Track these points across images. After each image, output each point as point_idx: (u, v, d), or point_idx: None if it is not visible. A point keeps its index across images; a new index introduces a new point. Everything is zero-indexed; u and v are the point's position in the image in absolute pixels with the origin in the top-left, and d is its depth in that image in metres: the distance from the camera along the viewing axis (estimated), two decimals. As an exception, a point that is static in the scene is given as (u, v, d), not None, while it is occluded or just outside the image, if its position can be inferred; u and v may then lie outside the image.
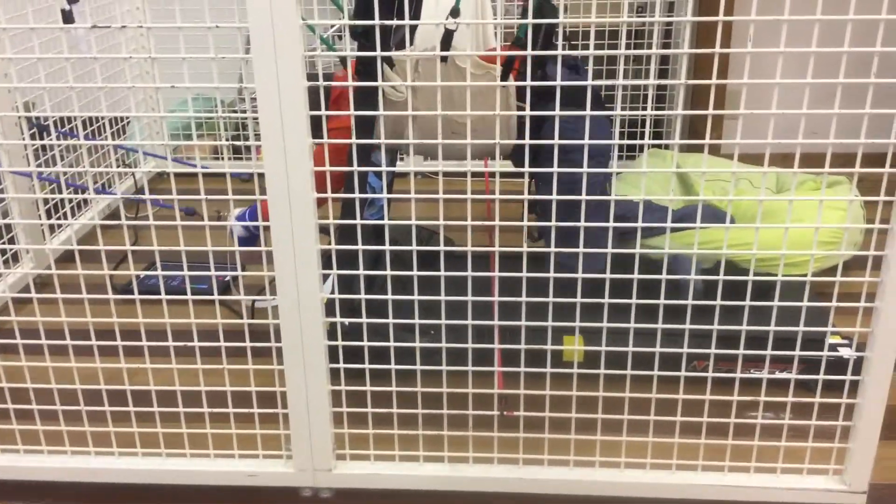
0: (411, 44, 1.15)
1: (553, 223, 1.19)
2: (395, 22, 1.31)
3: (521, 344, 1.28)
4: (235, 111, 3.04)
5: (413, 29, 1.67)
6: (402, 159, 2.15)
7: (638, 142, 2.83)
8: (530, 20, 1.18)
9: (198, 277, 1.34)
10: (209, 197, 1.24)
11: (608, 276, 1.22)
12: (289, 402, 1.36)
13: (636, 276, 1.22)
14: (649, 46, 2.86)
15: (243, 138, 2.99)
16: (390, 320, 1.32)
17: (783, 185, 2.38)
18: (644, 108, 2.90)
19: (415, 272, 1.27)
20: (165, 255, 1.28)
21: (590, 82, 1.15)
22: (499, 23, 2.49)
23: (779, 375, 1.37)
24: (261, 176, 1.20)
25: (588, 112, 1.16)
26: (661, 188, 2.34)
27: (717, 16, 1.08)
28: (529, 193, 1.86)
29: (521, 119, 1.54)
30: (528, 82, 1.15)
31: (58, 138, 2.37)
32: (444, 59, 1.58)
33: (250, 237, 1.82)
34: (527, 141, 1.25)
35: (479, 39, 1.95)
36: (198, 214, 1.27)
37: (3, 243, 1.52)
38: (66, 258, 2.10)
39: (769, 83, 1.11)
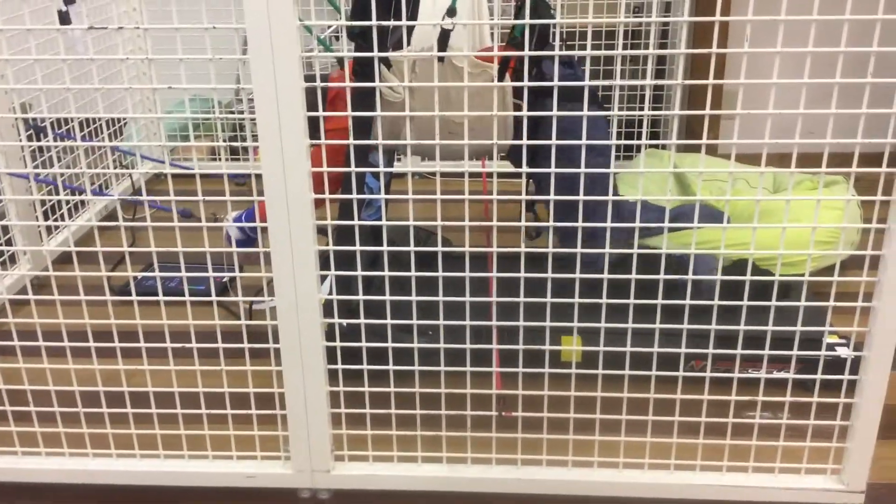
0: (408, 44, 1.15)
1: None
2: (392, 23, 1.32)
3: (520, 344, 1.28)
4: (232, 112, 3.04)
5: (410, 29, 1.68)
6: (399, 160, 2.15)
7: (635, 142, 2.84)
8: (527, 20, 1.18)
9: (195, 279, 1.34)
10: (206, 198, 1.24)
11: (606, 276, 1.22)
12: (287, 404, 1.36)
13: (634, 276, 1.22)
14: (646, 47, 2.87)
15: (240, 139, 2.99)
16: (388, 321, 1.32)
17: (780, 184, 2.39)
18: (641, 109, 2.90)
19: (412, 273, 1.27)
20: (163, 256, 1.28)
21: (587, 82, 1.15)
22: (495, 23, 2.49)
23: (777, 375, 1.37)
24: (258, 177, 1.20)
25: (585, 112, 1.16)
26: (658, 188, 2.34)
27: (713, 16, 1.08)
28: (529, 192, 1.87)
29: (518, 117, 1.54)
30: (525, 82, 1.15)
31: (55, 139, 2.37)
32: (440, 59, 1.58)
33: (247, 240, 1.82)
34: (524, 141, 1.25)
35: (476, 39, 1.96)
36: (194, 216, 1.27)
37: (1, 245, 1.51)
38: (63, 259, 2.10)
39: (766, 83, 1.11)
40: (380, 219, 1.30)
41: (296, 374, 1.33)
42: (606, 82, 1.26)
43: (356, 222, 1.26)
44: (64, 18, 1.89)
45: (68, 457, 1.45)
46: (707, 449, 1.36)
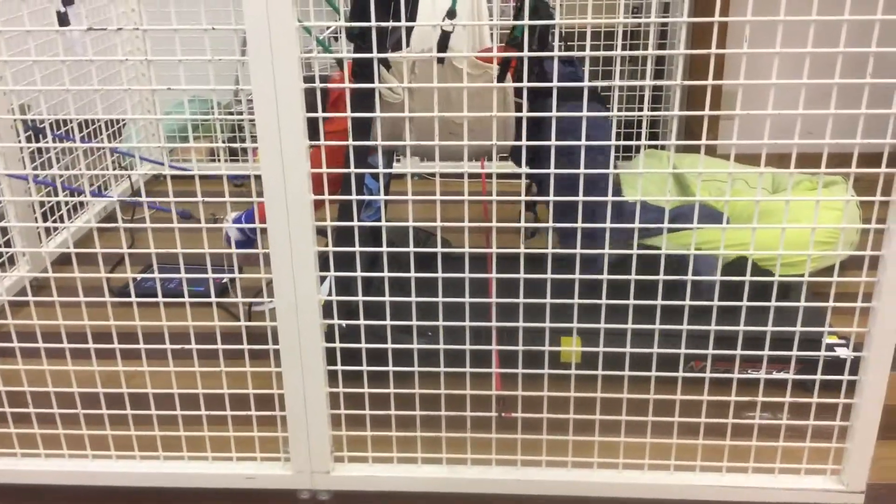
0: (408, 45, 1.15)
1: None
2: (391, 24, 1.32)
3: (519, 345, 1.28)
4: (231, 113, 3.04)
5: (409, 30, 1.68)
6: (398, 160, 2.15)
7: (634, 142, 2.84)
8: (526, 21, 1.18)
9: (195, 280, 1.34)
10: (206, 199, 1.24)
11: (605, 277, 1.22)
12: (286, 405, 1.36)
13: (633, 276, 1.22)
14: (645, 47, 2.87)
15: (239, 140, 2.99)
16: (388, 322, 1.32)
17: (779, 185, 2.39)
18: (640, 109, 2.91)
19: (412, 274, 1.27)
20: (162, 257, 1.28)
21: (590, 83, 1.15)
22: (495, 24, 2.49)
23: (776, 376, 1.37)
24: (257, 178, 1.20)
25: (585, 113, 1.16)
26: (657, 189, 2.34)
27: (712, 16, 1.08)
28: (532, 192, 1.87)
29: (520, 116, 1.54)
30: (525, 83, 1.15)
31: (54, 141, 2.37)
32: (440, 60, 1.58)
33: (246, 241, 1.82)
34: (524, 142, 1.25)
35: (476, 40, 1.95)
36: (194, 218, 1.26)
37: (0, 246, 1.51)
38: (62, 261, 2.11)
39: (765, 84, 1.12)
40: (379, 220, 1.30)
41: (295, 376, 1.33)
42: (606, 83, 1.27)
43: (356, 223, 1.26)
44: (63, 20, 1.89)
45: (68, 458, 1.45)
46: (707, 449, 1.36)
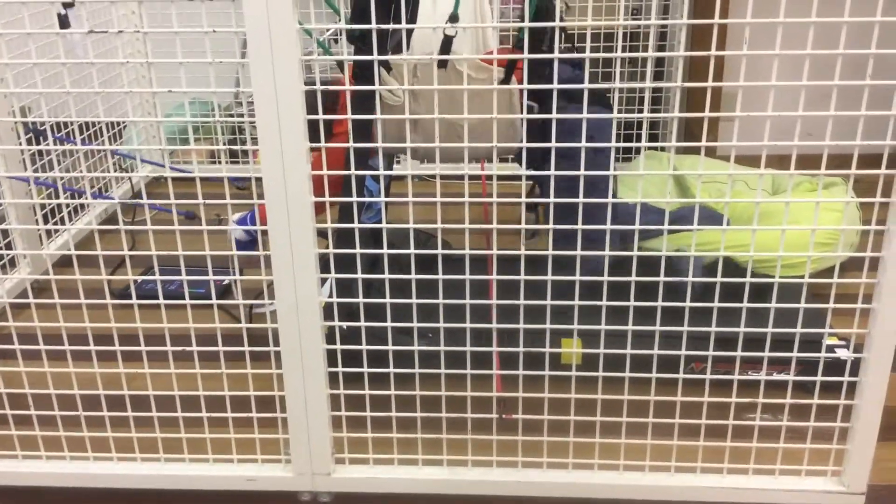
0: (408, 48, 1.15)
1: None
2: (392, 26, 1.32)
3: (520, 347, 1.28)
4: (232, 115, 3.04)
5: (409, 33, 1.68)
6: (398, 162, 2.15)
7: (634, 144, 2.84)
8: (526, 23, 1.18)
9: (196, 282, 1.34)
10: (207, 202, 1.24)
11: (606, 278, 1.22)
12: (287, 407, 1.36)
13: (634, 278, 1.22)
14: (645, 49, 2.87)
15: (240, 142, 2.99)
16: (388, 324, 1.32)
17: (779, 186, 2.39)
18: (640, 110, 2.91)
19: (412, 275, 1.27)
20: (163, 259, 1.28)
21: (596, 84, 1.15)
22: (498, 26, 2.49)
23: (777, 377, 1.37)
24: (258, 180, 1.20)
25: (585, 115, 1.16)
26: (657, 190, 2.34)
27: (712, 18, 1.08)
28: (533, 193, 1.87)
29: (526, 119, 1.54)
30: (525, 85, 1.15)
31: (54, 143, 2.37)
32: (444, 64, 1.58)
33: (251, 240, 1.82)
34: (526, 144, 1.25)
35: (479, 43, 1.95)
36: (197, 218, 1.27)
37: (0, 248, 1.51)
38: (63, 263, 2.10)
39: (765, 85, 1.12)
40: (380, 221, 1.30)
41: (296, 377, 1.33)
42: (606, 85, 1.27)
43: (356, 225, 1.26)
44: (63, 22, 1.89)
45: (69, 460, 1.45)
46: (707, 451, 1.36)
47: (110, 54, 2.54)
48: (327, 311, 1.30)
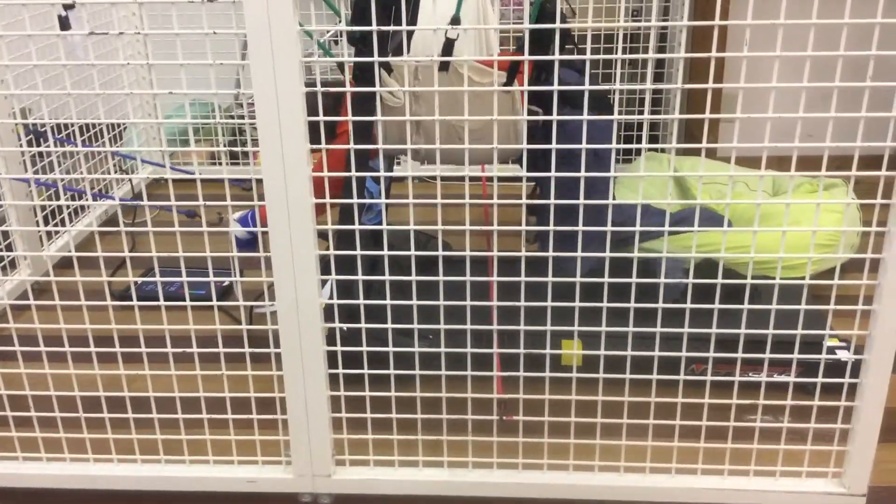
0: (408, 51, 1.15)
1: (560, 227, 1.19)
2: (392, 28, 1.32)
3: (520, 348, 1.28)
4: (232, 116, 3.04)
5: (409, 35, 1.68)
6: (398, 163, 2.15)
7: (635, 146, 2.84)
8: (527, 24, 1.18)
9: (196, 283, 1.34)
10: (207, 203, 1.24)
11: (606, 279, 1.22)
12: (288, 408, 1.36)
13: (634, 279, 1.22)
14: (645, 51, 2.87)
15: (240, 143, 2.99)
16: (389, 325, 1.32)
17: (780, 188, 2.39)
18: (640, 112, 2.91)
19: (413, 277, 1.27)
20: (163, 260, 1.28)
21: (593, 87, 1.15)
22: (501, 27, 2.49)
23: (777, 378, 1.37)
24: (259, 181, 1.20)
25: (584, 117, 1.16)
26: (658, 192, 2.34)
27: (712, 20, 1.08)
28: (533, 195, 1.86)
29: (530, 123, 1.54)
30: (526, 86, 1.15)
31: (55, 144, 2.37)
32: (445, 67, 1.57)
33: (252, 239, 1.83)
34: (528, 146, 1.25)
35: (483, 46, 1.94)
36: (198, 216, 1.27)
37: (1, 250, 1.51)
38: (63, 264, 2.11)
39: (765, 87, 1.12)
40: (380, 223, 1.30)
41: (296, 379, 1.33)
42: (606, 86, 1.27)
43: (356, 226, 1.26)
44: (64, 23, 1.90)
45: (69, 462, 1.45)
46: (708, 452, 1.36)
47: (111, 56, 2.54)
48: (328, 313, 1.30)
